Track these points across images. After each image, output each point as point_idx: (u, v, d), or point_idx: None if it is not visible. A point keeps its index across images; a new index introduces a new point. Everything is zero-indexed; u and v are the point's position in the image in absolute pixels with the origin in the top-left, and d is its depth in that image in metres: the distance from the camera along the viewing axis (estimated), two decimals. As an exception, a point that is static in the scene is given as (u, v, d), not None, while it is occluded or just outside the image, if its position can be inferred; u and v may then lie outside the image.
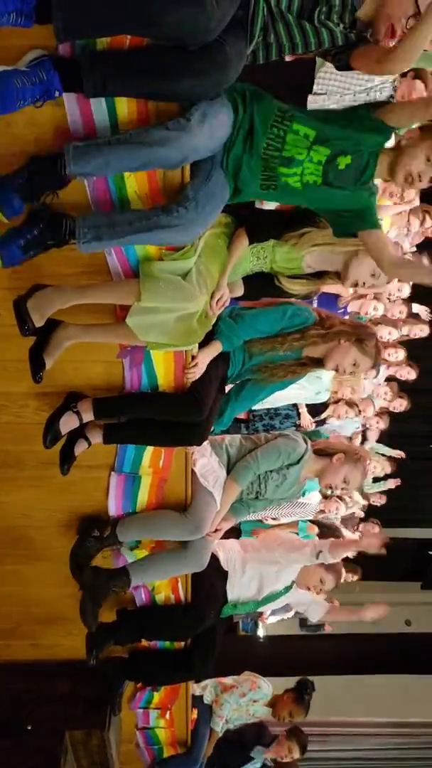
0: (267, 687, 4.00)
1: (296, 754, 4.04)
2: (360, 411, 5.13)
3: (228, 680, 3.99)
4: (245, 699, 3.92)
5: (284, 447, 2.90)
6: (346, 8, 2.09)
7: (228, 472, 2.91)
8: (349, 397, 4.81)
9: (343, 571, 3.46)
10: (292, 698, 3.97)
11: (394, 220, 4.74)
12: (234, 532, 4.67)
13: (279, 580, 3.29)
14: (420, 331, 5.63)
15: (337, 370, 2.75)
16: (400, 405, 5.81)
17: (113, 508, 2.83)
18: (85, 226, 2.06)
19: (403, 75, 4.03)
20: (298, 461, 2.94)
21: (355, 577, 6.21)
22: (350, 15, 2.11)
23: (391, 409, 5.80)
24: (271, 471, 2.92)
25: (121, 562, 2.89)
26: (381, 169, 2.25)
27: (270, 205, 3.05)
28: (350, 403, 4.94)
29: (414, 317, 5.56)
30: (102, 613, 2.96)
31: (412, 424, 6.78)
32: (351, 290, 4.51)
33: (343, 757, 6.84)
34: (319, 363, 2.74)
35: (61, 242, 2.08)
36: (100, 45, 1.92)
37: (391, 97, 3.99)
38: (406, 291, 5.12)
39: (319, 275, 2.53)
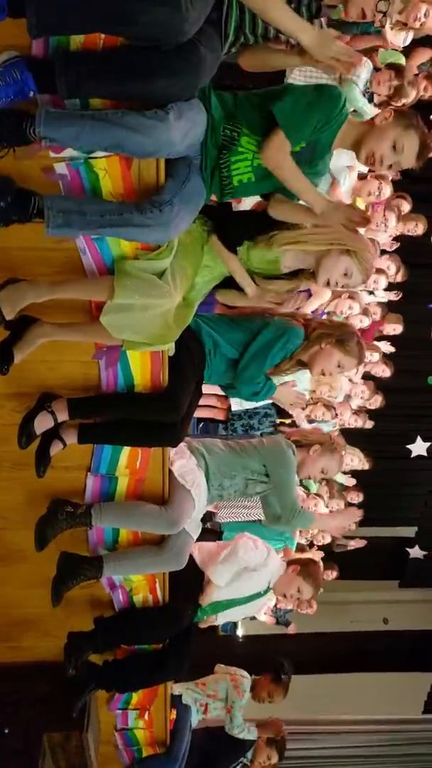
0: (246, 679, 4.03)
1: (275, 760, 4.08)
2: (337, 414, 5.16)
3: (209, 683, 4.00)
4: (243, 700, 3.96)
5: (291, 472, 2.94)
6: None
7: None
8: (327, 394, 4.84)
9: (321, 579, 3.49)
10: (269, 679, 4.01)
11: (372, 216, 4.77)
12: (215, 535, 4.69)
13: (255, 583, 3.31)
14: (393, 330, 5.69)
15: (323, 374, 2.79)
16: (375, 401, 5.86)
17: (89, 510, 2.82)
18: (54, 209, 2.03)
19: (379, 70, 4.11)
20: None
21: (333, 574, 6.26)
22: (316, 2, 2.13)
23: (367, 405, 5.84)
24: (251, 479, 2.94)
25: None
26: (345, 139, 2.27)
27: (246, 205, 3.07)
28: (327, 406, 4.98)
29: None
30: (79, 621, 3.01)
31: (390, 423, 6.83)
32: (328, 295, 4.56)
33: (322, 755, 6.87)
34: (304, 364, 2.78)
35: (25, 219, 2.02)
36: (73, 45, 1.92)
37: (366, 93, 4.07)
38: (383, 284, 5.16)
39: (295, 274, 2.56)
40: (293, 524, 3.08)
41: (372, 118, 2.28)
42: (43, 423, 2.44)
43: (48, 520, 2.67)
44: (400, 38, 4.22)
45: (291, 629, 5.95)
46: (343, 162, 4.02)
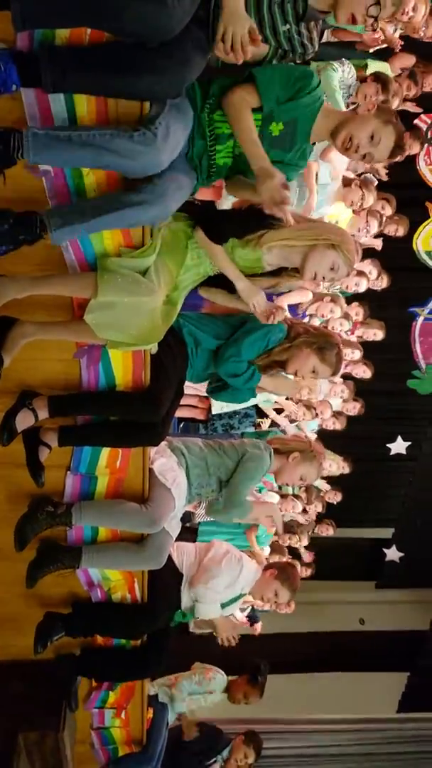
0: (221, 677, 4.04)
1: (251, 759, 4.09)
2: (317, 414, 5.18)
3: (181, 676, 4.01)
4: (201, 688, 3.96)
5: (258, 468, 2.94)
6: None
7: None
8: (307, 397, 4.86)
9: (298, 582, 3.50)
10: (245, 680, 4.03)
11: (354, 221, 4.80)
12: (192, 534, 4.69)
13: (231, 592, 3.32)
14: (374, 336, 5.70)
15: (296, 375, 2.80)
16: (354, 408, 5.88)
17: (69, 508, 2.80)
18: (53, 215, 2.04)
19: (363, 80, 4.11)
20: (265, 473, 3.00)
21: (309, 572, 6.28)
22: (303, 3, 2.15)
23: (345, 411, 5.87)
24: (225, 481, 2.95)
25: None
26: (322, 127, 2.30)
27: (227, 203, 3.07)
28: (308, 406, 4.99)
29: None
30: (55, 606, 2.99)
31: (368, 426, 6.86)
32: (310, 296, 4.58)
33: (298, 754, 6.91)
34: (283, 365, 2.79)
35: (34, 237, 2.05)
36: (59, 40, 1.90)
37: (349, 105, 4.08)
38: (363, 286, 5.18)
39: (278, 272, 2.56)
40: (230, 513, 3.00)
41: (354, 108, 2.36)
42: (24, 420, 2.42)
43: (28, 519, 2.65)
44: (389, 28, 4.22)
45: (257, 627, 5.90)
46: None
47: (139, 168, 1.99)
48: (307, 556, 6.61)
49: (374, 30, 2.52)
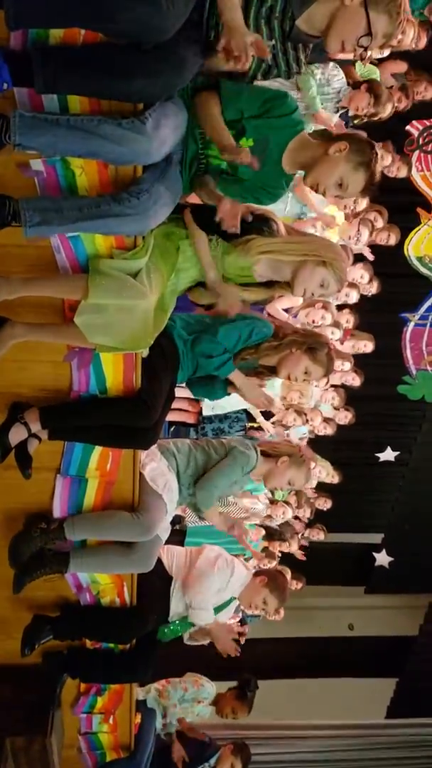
0: (210, 687, 4.02)
1: None
2: (308, 420, 5.19)
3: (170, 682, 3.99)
4: (188, 694, 3.94)
5: (240, 464, 2.93)
6: (286, 15, 2.12)
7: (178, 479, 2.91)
8: (298, 401, 4.87)
9: (288, 592, 3.49)
10: (234, 695, 4.01)
11: (344, 229, 4.81)
12: (181, 536, 4.68)
13: (223, 597, 3.31)
14: (364, 347, 5.71)
15: (289, 379, 2.79)
16: (345, 417, 5.89)
17: (58, 511, 2.79)
18: (30, 209, 2.02)
19: (356, 86, 4.13)
20: (248, 472, 2.99)
21: (300, 585, 6.27)
22: (290, 22, 2.14)
23: (336, 420, 5.88)
24: None
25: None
26: (297, 159, 2.28)
27: None
28: (299, 411, 5.00)
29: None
30: (44, 609, 2.97)
31: (358, 431, 6.87)
32: (301, 300, 4.58)
33: (285, 760, 6.88)
34: (274, 371, 2.78)
35: (2, 224, 2.02)
36: (52, 40, 1.90)
37: (339, 109, 4.09)
38: (354, 298, 5.19)
39: (270, 284, 2.55)
40: (197, 495, 2.91)
41: (324, 146, 2.26)
42: (17, 435, 2.44)
43: (22, 538, 2.67)
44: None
45: (245, 629, 5.83)
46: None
47: (128, 154, 1.98)
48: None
49: (363, 59, 2.52)
